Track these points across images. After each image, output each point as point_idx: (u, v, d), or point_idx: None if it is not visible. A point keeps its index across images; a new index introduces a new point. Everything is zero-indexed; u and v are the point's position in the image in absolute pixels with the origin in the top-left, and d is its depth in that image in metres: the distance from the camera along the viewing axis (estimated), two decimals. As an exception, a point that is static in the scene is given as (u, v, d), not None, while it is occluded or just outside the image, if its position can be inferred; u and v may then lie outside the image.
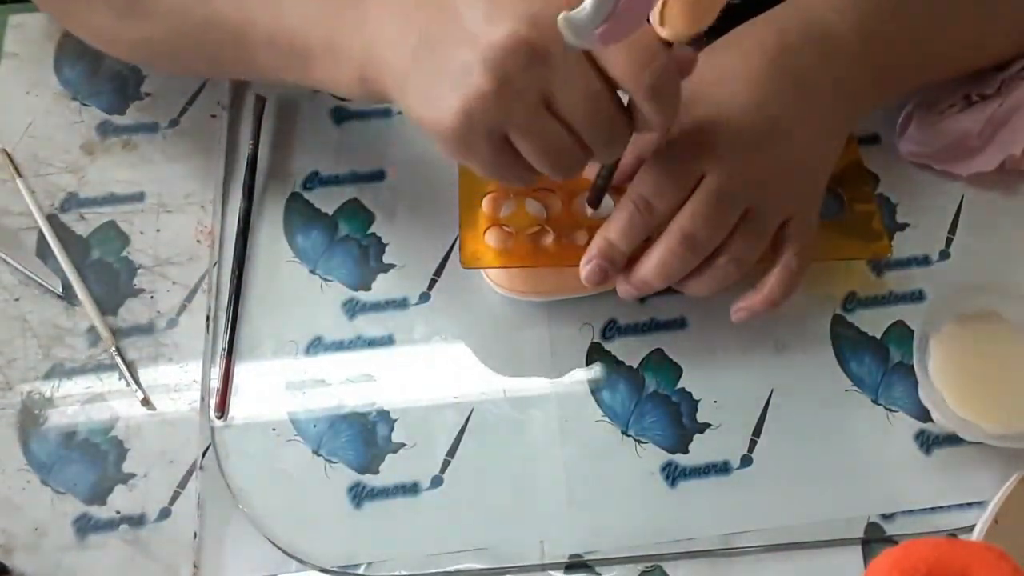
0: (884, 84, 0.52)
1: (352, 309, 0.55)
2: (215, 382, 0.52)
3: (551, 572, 0.49)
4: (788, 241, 0.49)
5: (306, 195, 0.58)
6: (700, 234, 0.47)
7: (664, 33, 0.41)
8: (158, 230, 0.57)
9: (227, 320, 0.54)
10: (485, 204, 0.53)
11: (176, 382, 0.53)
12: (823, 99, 0.49)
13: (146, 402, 0.52)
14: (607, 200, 0.52)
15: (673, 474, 0.51)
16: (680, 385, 0.53)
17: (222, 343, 0.53)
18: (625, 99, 0.43)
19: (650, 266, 0.48)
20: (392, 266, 0.56)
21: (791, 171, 0.48)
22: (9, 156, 0.59)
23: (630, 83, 0.41)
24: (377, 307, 0.55)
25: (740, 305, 0.50)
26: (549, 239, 0.52)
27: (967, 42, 0.55)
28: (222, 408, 0.52)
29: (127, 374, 0.53)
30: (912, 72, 0.54)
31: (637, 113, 0.42)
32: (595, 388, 0.53)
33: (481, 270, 0.53)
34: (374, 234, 0.57)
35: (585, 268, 0.48)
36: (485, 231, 0.52)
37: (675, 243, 0.47)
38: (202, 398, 0.52)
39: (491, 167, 0.43)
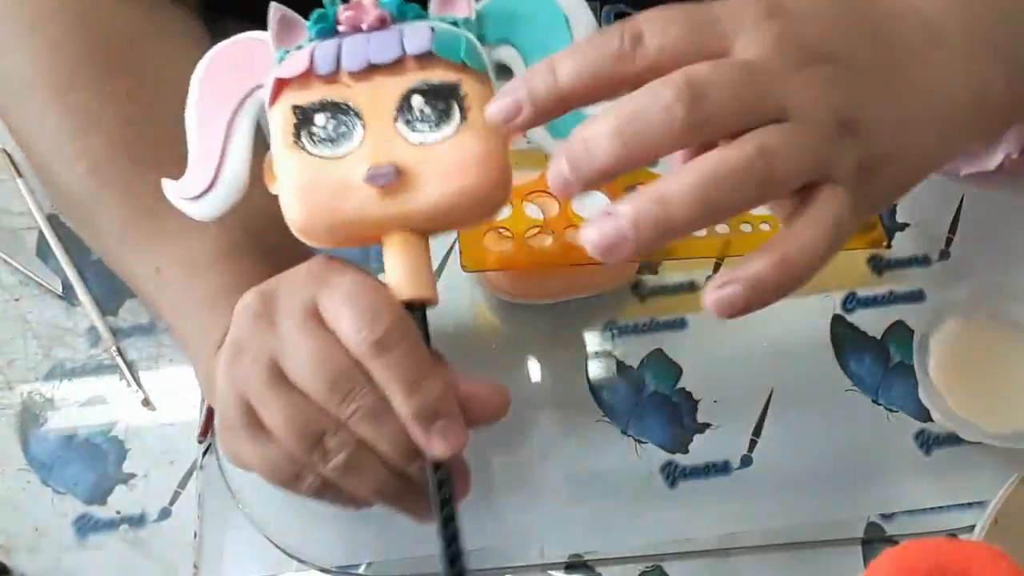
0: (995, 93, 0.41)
1: (352, 309, 0.55)
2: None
3: (551, 572, 0.49)
4: (832, 195, 0.34)
5: (306, 195, 0.58)
6: (714, 90, 0.32)
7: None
8: (158, 230, 0.57)
9: None
10: None
11: (176, 382, 0.53)
12: (957, 53, 0.39)
13: (146, 402, 0.52)
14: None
15: (673, 474, 0.51)
16: (680, 385, 0.53)
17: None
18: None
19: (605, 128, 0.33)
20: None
21: (855, 120, 0.35)
22: (9, 156, 0.59)
23: (349, 341, 0.38)
24: (377, 307, 0.55)
25: (734, 275, 0.33)
26: (548, 241, 0.52)
27: None
28: (206, 433, 0.51)
29: (128, 374, 0.53)
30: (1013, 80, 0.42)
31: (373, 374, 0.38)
32: (595, 388, 0.53)
33: (481, 276, 0.53)
34: (374, 234, 0.57)
35: (495, 104, 0.35)
36: (484, 235, 0.52)
37: (675, 84, 0.32)
38: (202, 398, 0.52)
39: (257, 458, 0.40)
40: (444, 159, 0.38)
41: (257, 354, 0.39)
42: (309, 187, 0.38)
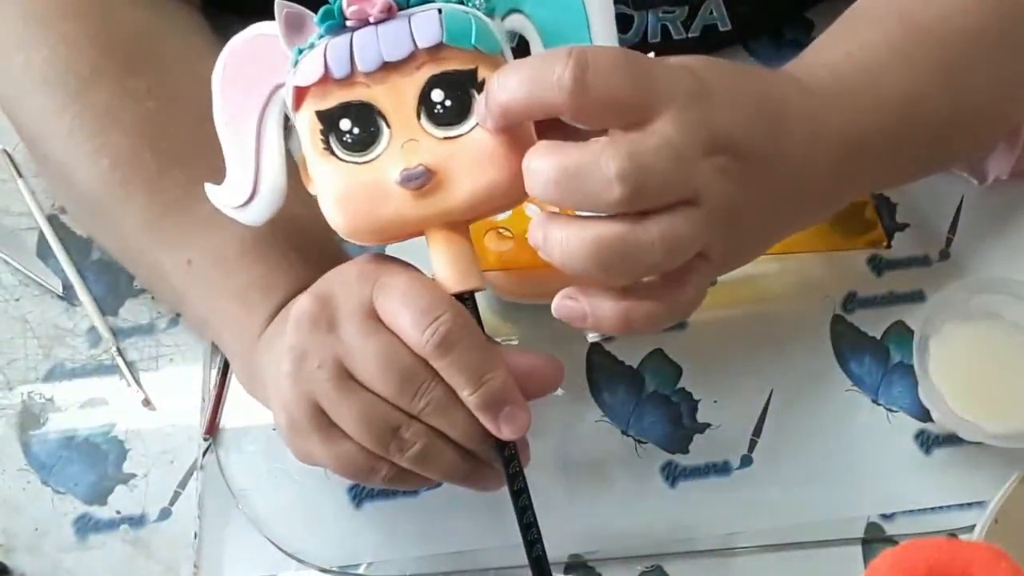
0: (846, 179, 0.46)
1: (352, 309, 0.55)
2: (212, 389, 0.52)
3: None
4: (699, 268, 0.39)
5: (306, 195, 0.58)
6: (648, 179, 0.36)
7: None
8: (158, 230, 0.57)
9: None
10: None
11: (177, 382, 0.53)
12: (814, 168, 0.43)
13: (147, 403, 0.52)
14: None
15: (673, 474, 0.51)
16: (680, 385, 0.53)
17: (220, 362, 0.53)
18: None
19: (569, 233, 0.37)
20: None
21: (739, 211, 0.39)
22: (9, 156, 0.59)
23: (412, 343, 0.39)
24: (377, 307, 0.55)
25: (587, 298, 0.39)
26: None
27: (937, 141, 0.50)
28: (211, 429, 0.51)
29: (128, 374, 0.53)
30: (879, 169, 0.48)
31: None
32: (595, 388, 0.53)
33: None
34: (374, 234, 0.57)
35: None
36: (484, 235, 0.52)
37: (615, 166, 0.35)
38: (203, 398, 0.52)
39: (331, 456, 0.42)
40: (472, 150, 0.39)
41: (322, 359, 0.40)
42: (346, 195, 0.39)
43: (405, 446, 0.40)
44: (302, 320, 0.41)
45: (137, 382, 0.53)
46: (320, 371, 0.40)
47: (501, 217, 0.53)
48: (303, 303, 0.41)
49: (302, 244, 0.47)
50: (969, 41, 0.49)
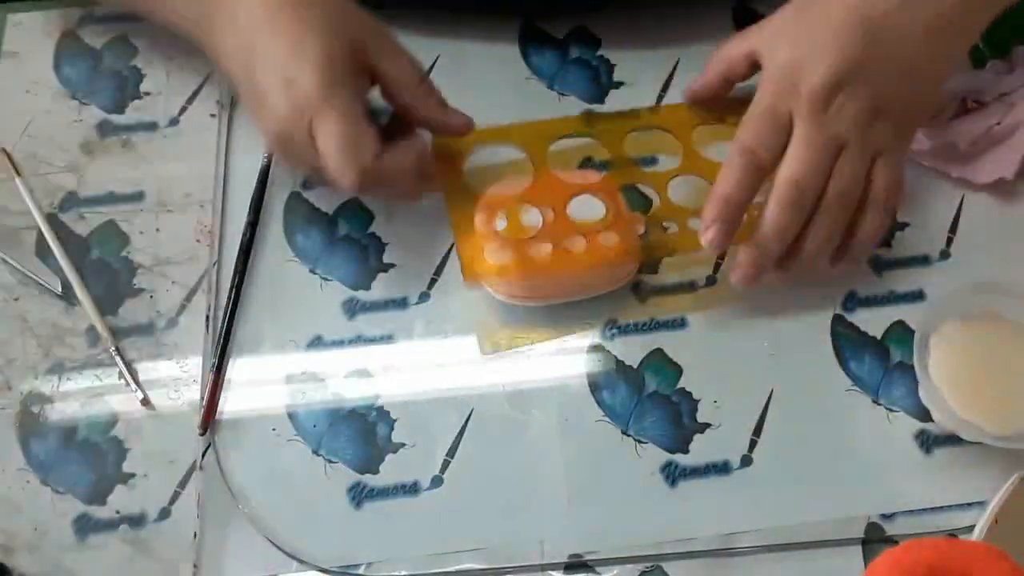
0: (977, 11, 0.53)
1: (352, 308, 0.55)
2: (206, 389, 0.52)
3: (551, 572, 0.49)
4: (877, 175, 0.51)
5: (305, 194, 0.58)
6: (803, 179, 0.50)
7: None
8: (158, 230, 0.57)
9: (217, 343, 0.53)
10: (478, 220, 0.53)
11: (176, 382, 0.53)
12: (909, 42, 0.51)
13: (145, 402, 0.52)
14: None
15: (673, 474, 0.51)
16: (680, 385, 0.53)
17: (212, 358, 0.53)
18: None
19: (765, 230, 0.50)
20: (392, 266, 0.56)
21: (876, 109, 0.51)
22: (8, 155, 0.59)
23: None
24: (377, 307, 0.55)
25: (839, 255, 0.52)
26: (547, 247, 0.52)
27: None
28: (207, 425, 0.51)
29: (127, 374, 0.53)
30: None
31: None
32: (595, 388, 0.53)
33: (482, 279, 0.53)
34: (374, 234, 0.57)
35: (707, 233, 0.50)
36: (483, 246, 0.52)
37: (783, 195, 0.50)
38: (201, 398, 0.52)
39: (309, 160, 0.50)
40: None
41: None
42: None
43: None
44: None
45: (136, 382, 0.53)
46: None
47: (497, 229, 0.53)
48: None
49: None
50: None
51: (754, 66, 0.54)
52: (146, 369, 0.53)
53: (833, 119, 0.50)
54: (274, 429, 0.52)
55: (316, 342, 0.54)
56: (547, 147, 0.58)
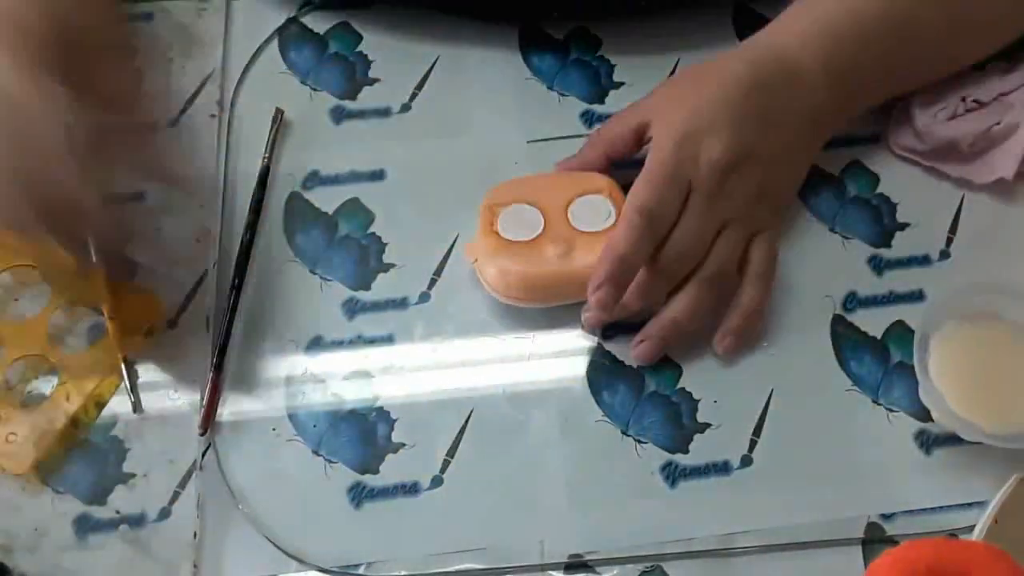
0: (850, 106, 0.57)
1: (352, 309, 0.55)
2: (206, 389, 0.52)
3: (551, 572, 0.49)
4: (756, 250, 0.53)
5: (306, 194, 0.58)
6: (686, 252, 0.51)
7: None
8: (158, 229, 0.57)
9: (216, 343, 0.53)
10: (479, 221, 0.53)
11: (176, 382, 0.53)
12: (790, 130, 0.54)
13: (136, 407, 0.52)
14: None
15: (673, 474, 0.51)
16: (680, 385, 0.53)
17: (212, 358, 0.53)
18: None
19: (636, 287, 0.51)
20: (392, 266, 0.56)
21: (762, 192, 0.53)
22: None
23: None
24: (377, 307, 0.55)
25: (723, 330, 0.53)
26: (548, 249, 0.52)
27: (935, 54, 0.57)
28: (207, 425, 0.51)
29: (126, 376, 0.52)
30: (878, 89, 0.57)
31: None
32: (595, 388, 0.53)
33: (481, 279, 0.53)
34: (374, 234, 0.57)
35: (598, 293, 0.50)
36: (484, 247, 0.53)
37: (664, 265, 0.51)
38: (201, 398, 0.52)
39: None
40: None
41: None
42: None
43: None
44: None
45: (133, 385, 0.52)
46: None
47: (499, 228, 0.53)
48: None
49: None
50: None
51: (641, 141, 0.54)
52: (146, 369, 0.53)
53: (726, 197, 0.51)
54: (274, 429, 0.52)
55: (316, 342, 0.54)
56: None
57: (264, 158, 0.58)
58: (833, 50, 0.53)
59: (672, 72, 0.62)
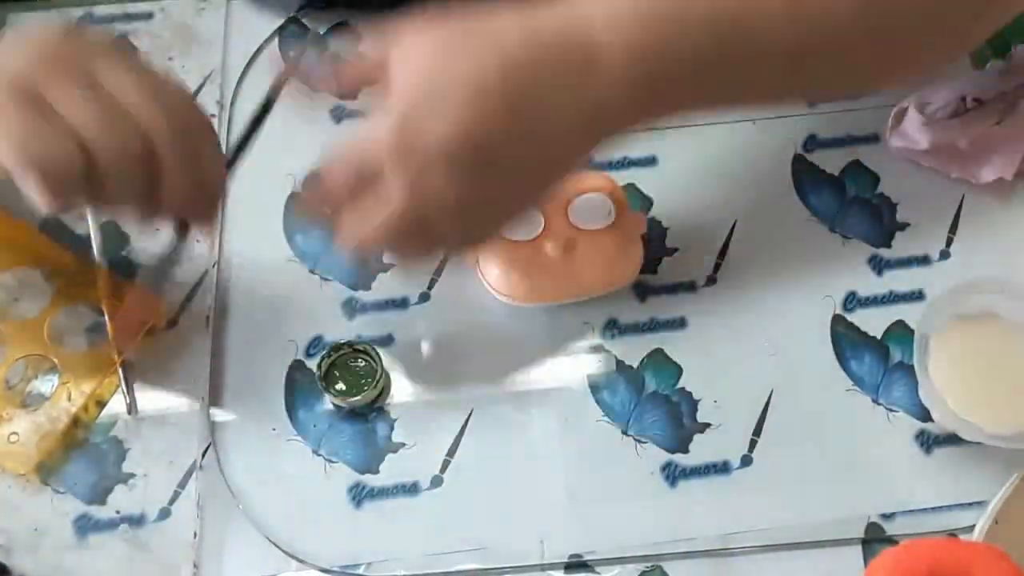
0: (651, 109, 0.43)
1: (352, 309, 0.55)
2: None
3: (551, 572, 0.49)
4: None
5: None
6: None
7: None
8: (158, 229, 0.57)
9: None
10: None
11: (176, 382, 0.53)
12: (554, 126, 0.41)
13: (131, 410, 0.52)
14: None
15: (673, 474, 0.51)
16: (680, 385, 0.53)
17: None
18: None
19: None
20: (392, 266, 0.56)
21: (488, 201, 0.43)
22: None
23: None
24: (377, 307, 0.55)
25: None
26: (548, 249, 0.52)
27: (778, 58, 0.43)
28: (185, 229, 0.48)
29: (122, 378, 0.52)
30: (695, 92, 0.44)
31: None
32: (595, 388, 0.53)
33: (482, 279, 0.53)
34: (374, 234, 0.57)
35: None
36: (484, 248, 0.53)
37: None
38: (202, 398, 0.52)
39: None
40: None
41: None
42: None
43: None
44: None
45: (129, 387, 0.52)
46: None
47: None
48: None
49: None
50: None
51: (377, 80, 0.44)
52: (146, 369, 0.53)
53: (435, 207, 0.42)
54: (274, 429, 0.52)
55: (316, 342, 0.54)
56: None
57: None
58: (643, 36, 0.41)
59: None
